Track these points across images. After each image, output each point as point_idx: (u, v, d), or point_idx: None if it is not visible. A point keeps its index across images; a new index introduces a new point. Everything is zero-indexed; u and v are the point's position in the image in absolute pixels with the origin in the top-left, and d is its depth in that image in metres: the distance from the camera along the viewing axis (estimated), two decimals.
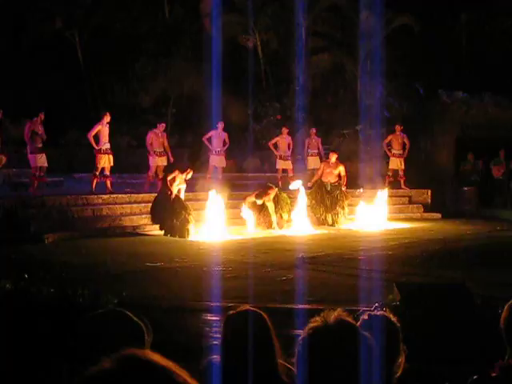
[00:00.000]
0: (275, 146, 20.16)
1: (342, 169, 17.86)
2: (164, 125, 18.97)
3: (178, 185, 15.60)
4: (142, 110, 24.96)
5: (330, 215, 17.54)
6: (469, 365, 3.95)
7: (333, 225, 17.45)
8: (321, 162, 20.35)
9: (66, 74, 24.63)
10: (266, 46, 26.07)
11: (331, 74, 25.21)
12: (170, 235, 15.18)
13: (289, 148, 19.99)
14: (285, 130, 20.14)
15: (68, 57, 24.78)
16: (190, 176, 16.05)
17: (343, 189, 17.84)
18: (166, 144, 18.41)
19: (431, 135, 22.42)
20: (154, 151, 18.23)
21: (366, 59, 24.34)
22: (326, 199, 17.52)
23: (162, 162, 18.33)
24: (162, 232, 15.41)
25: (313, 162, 20.50)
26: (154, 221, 15.70)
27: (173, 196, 15.37)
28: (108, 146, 17.12)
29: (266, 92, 25.44)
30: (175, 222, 15.20)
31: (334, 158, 17.93)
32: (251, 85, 24.63)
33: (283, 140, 20.00)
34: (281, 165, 19.81)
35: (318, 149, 20.69)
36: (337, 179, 17.83)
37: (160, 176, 18.46)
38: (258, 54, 25.99)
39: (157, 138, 18.47)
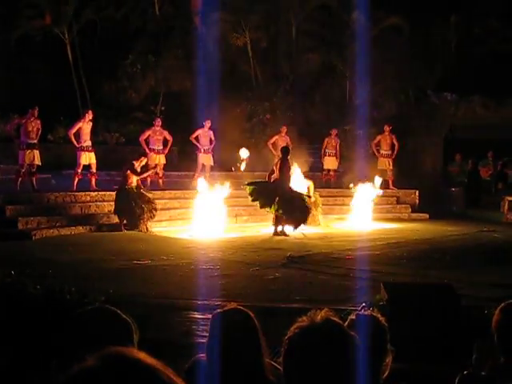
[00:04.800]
0: (273, 145, 20.13)
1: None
2: (160, 120, 18.95)
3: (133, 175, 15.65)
4: (131, 107, 24.89)
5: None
6: (455, 364, 3.96)
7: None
8: (337, 162, 20.48)
9: (54, 71, 24.54)
10: (255, 45, 26.05)
11: (321, 74, 25.24)
12: (130, 228, 15.29)
13: None
14: (284, 129, 20.14)
15: (57, 53, 24.68)
16: (143, 163, 16.09)
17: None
18: (169, 140, 18.50)
19: (419, 136, 22.49)
20: (151, 149, 18.21)
21: (355, 59, 24.38)
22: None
23: (159, 160, 18.30)
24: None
25: (329, 162, 20.63)
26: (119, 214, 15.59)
27: (129, 187, 15.36)
28: (89, 143, 16.92)
29: (255, 91, 25.43)
30: (135, 214, 15.29)
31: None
32: (241, 83, 24.65)
33: (282, 139, 19.95)
34: None
35: (336, 150, 20.77)
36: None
37: (160, 174, 18.47)
38: (247, 52, 25.97)
39: (154, 135, 18.45)
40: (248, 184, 16.05)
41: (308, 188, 17.18)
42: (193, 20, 25.29)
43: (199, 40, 23.08)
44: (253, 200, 15.76)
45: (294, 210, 15.33)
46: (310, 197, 16.54)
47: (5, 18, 23.88)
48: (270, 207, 15.38)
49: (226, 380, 2.78)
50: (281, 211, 15.20)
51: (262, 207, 15.77)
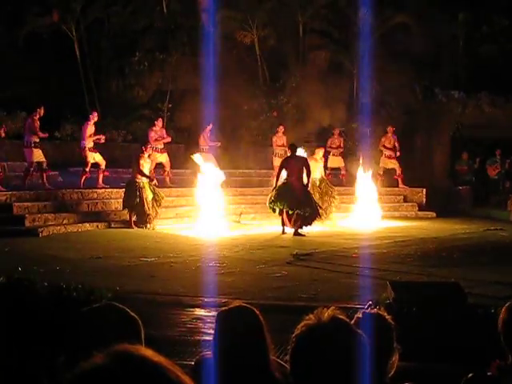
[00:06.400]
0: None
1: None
2: (161, 120, 18.95)
3: (144, 165, 15.79)
4: (138, 104, 24.89)
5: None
6: (462, 363, 3.96)
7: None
8: (342, 160, 20.54)
9: (62, 68, 24.55)
10: (263, 43, 26.02)
11: (328, 72, 25.17)
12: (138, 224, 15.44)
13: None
14: (281, 129, 20.11)
15: (64, 50, 24.70)
16: (150, 151, 16.37)
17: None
18: (164, 139, 18.49)
19: (427, 134, 22.43)
20: (153, 148, 18.18)
21: (363, 57, 24.32)
22: (316, 194, 17.18)
23: (161, 158, 18.24)
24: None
25: (335, 161, 20.63)
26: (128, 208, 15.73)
27: (137, 181, 15.47)
28: (91, 144, 17.03)
29: (262, 88, 25.40)
30: (143, 210, 15.40)
31: (321, 153, 17.76)
32: (248, 81, 24.61)
33: (279, 139, 19.94)
34: (277, 162, 19.69)
35: (340, 148, 20.78)
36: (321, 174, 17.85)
37: (167, 172, 18.48)
38: (255, 50, 25.94)
39: (155, 134, 18.45)
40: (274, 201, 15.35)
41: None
42: (200, 17, 25.25)
43: (206, 37, 23.04)
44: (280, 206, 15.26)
45: (314, 207, 15.36)
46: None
47: (12, 15, 23.92)
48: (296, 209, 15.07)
49: (231, 377, 2.78)
50: (308, 210, 15.11)
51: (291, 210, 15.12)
